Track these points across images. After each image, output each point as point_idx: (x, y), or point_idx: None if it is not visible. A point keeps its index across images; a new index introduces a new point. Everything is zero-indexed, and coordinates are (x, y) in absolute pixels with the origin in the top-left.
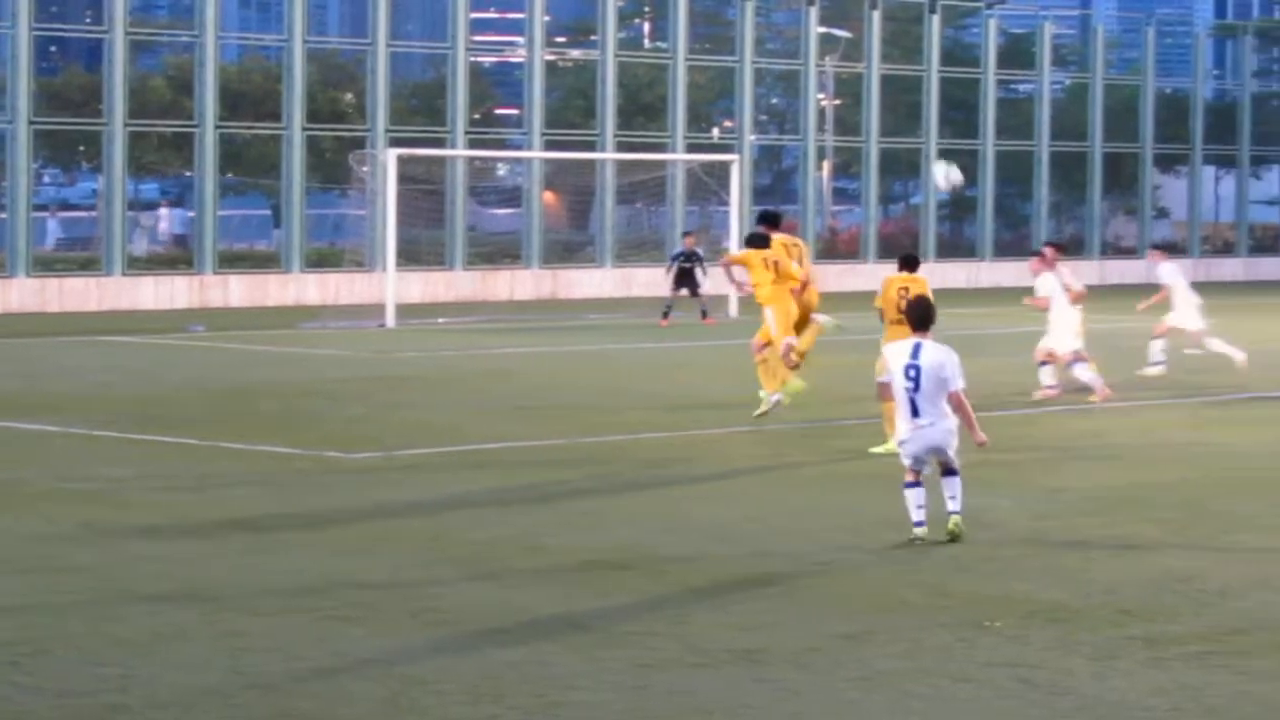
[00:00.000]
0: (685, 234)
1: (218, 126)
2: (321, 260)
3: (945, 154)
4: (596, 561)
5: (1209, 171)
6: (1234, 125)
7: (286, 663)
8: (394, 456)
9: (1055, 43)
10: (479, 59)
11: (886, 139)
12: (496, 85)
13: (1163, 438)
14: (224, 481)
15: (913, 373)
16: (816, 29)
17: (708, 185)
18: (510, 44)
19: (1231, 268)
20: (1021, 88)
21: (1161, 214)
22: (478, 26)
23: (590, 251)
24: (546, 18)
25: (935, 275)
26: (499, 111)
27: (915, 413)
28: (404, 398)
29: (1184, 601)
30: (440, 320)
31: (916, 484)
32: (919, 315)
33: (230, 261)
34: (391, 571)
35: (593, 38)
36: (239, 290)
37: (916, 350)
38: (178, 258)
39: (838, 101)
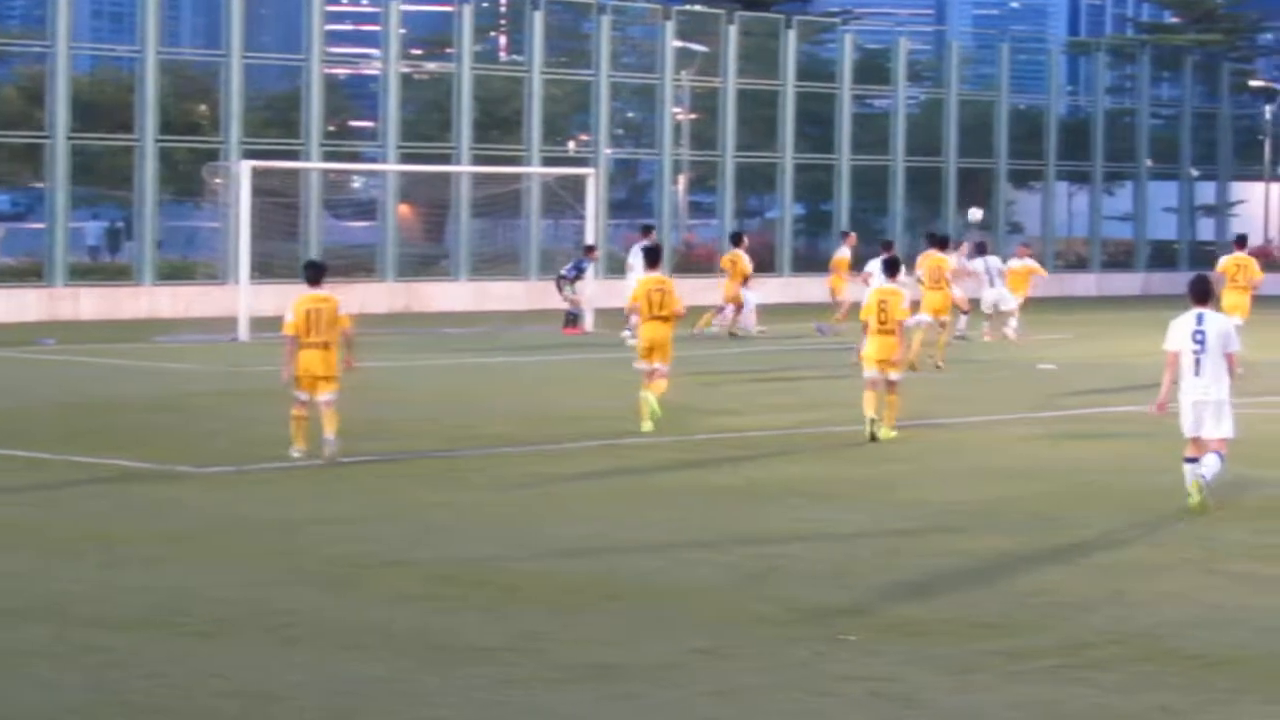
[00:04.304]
0: (589, 247)
1: (69, 138)
2: (174, 273)
3: (803, 167)
4: (453, 577)
5: (1063, 187)
6: (1087, 141)
7: (145, 680)
8: (247, 471)
9: (911, 59)
10: (334, 71)
11: (742, 153)
12: (352, 98)
13: (1016, 453)
14: (77, 496)
15: (1200, 337)
16: (673, 43)
17: (563, 199)
18: (366, 56)
19: (1085, 283)
20: (877, 103)
21: (1016, 229)
22: (333, 39)
23: (445, 265)
24: (402, 30)
25: (790, 290)
26: (354, 124)
27: (1198, 372)
28: (257, 412)
29: (1039, 615)
30: None
31: (1194, 460)
32: (1201, 290)
33: (82, 274)
34: (247, 587)
35: (448, 50)
36: (90, 303)
37: (1200, 318)
38: (27, 269)
39: (694, 116)
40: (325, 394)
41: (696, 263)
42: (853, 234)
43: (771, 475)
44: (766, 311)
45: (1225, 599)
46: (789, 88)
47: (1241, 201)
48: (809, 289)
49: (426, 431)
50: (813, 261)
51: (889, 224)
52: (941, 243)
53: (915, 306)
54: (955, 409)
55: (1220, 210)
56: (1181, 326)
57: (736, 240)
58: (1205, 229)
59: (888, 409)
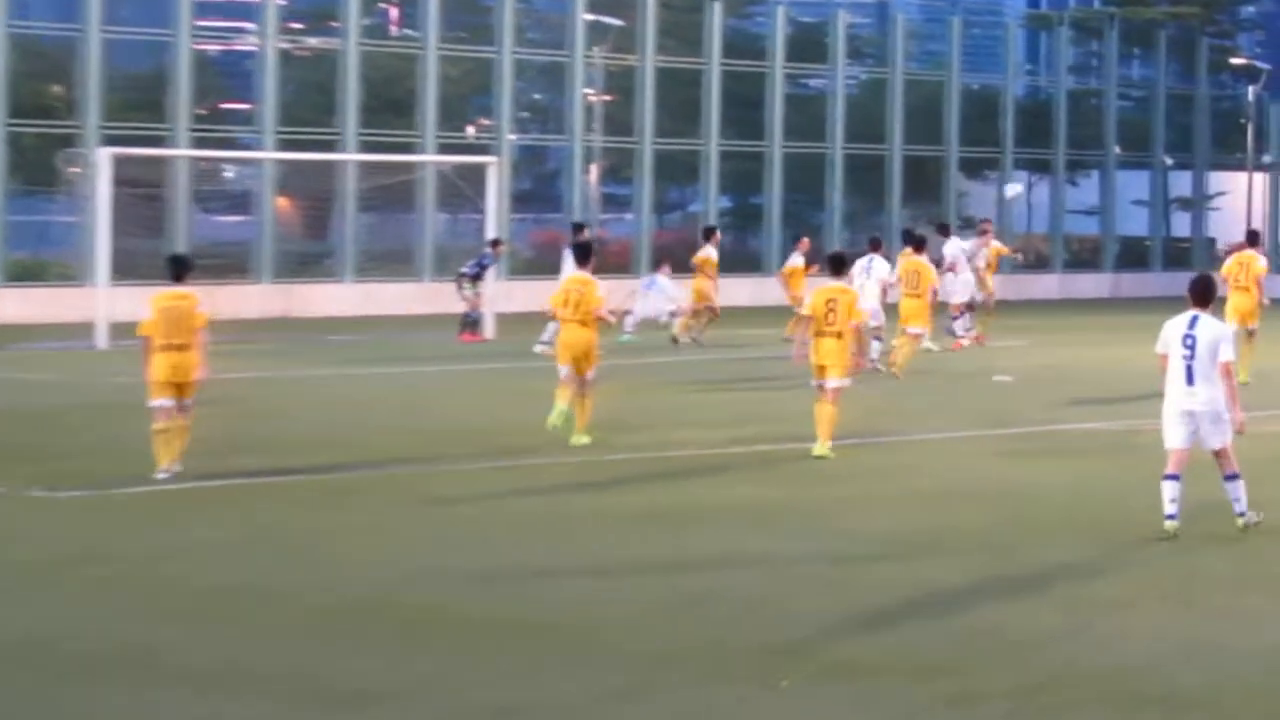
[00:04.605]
0: (494, 241)
1: None
2: (25, 273)
3: (731, 155)
4: (338, 611)
5: (1021, 177)
6: (1048, 126)
7: None
8: (109, 495)
9: (850, 34)
10: (204, 48)
11: (662, 140)
12: (224, 77)
13: (967, 474)
14: None
15: (1189, 342)
16: (584, 16)
17: (462, 190)
18: (240, 31)
19: (1046, 285)
20: (813, 83)
21: (968, 224)
22: (203, 11)
23: (329, 265)
24: (281, 2)
25: (721, 293)
26: (227, 107)
27: (1190, 379)
28: (118, 428)
29: (991, 654)
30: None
31: (1174, 477)
32: (1201, 290)
33: None
34: (108, 626)
35: (333, 24)
36: None
37: (1194, 322)
38: None
39: (608, 97)
40: (183, 400)
41: (610, 261)
42: (806, 239)
43: (699, 497)
44: (689, 317)
45: (1199, 635)
46: (714, 66)
47: (1221, 193)
48: (735, 291)
49: (308, 449)
50: (741, 260)
51: (826, 219)
52: (919, 243)
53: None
54: (903, 424)
55: (1197, 203)
56: (1173, 328)
57: (709, 235)
58: (1180, 224)
59: (824, 422)
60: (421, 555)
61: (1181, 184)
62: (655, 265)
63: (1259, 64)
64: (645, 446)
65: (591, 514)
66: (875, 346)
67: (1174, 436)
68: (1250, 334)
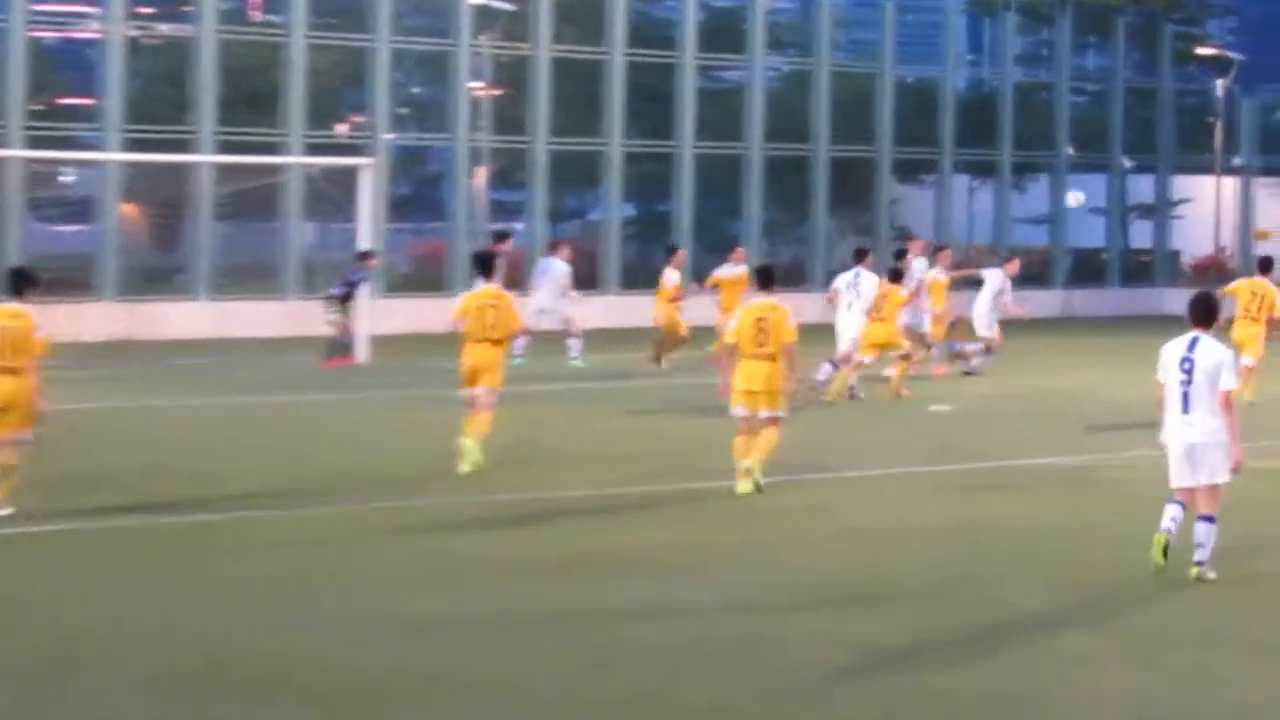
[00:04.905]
0: (364, 254)
1: None
2: None
3: (636, 157)
4: (190, 669)
5: (961, 181)
6: (993, 124)
7: None
8: None
9: (771, 20)
10: (41, 35)
11: (559, 139)
12: (63, 68)
13: (908, 514)
14: None
15: (1187, 366)
16: (471, 1)
17: (331, 196)
18: (81, 16)
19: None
20: (728, 76)
21: (902, 234)
22: None
23: (181, 280)
24: None
25: (618, 310)
26: (66, 102)
27: (1187, 407)
28: None
29: None
30: None
31: (1179, 502)
32: (1202, 310)
33: None
34: None
35: (186, 9)
36: None
37: (1193, 344)
38: None
39: (497, 92)
40: (13, 434)
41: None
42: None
43: (605, 540)
44: (594, 338)
45: (1163, 698)
46: (617, 57)
47: (1186, 200)
48: (639, 310)
49: (155, 488)
50: (647, 274)
51: (743, 228)
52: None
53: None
54: (835, 459)
55: (1160, 211)
56: (1171, 352)
57: (670, 254)
58: (1141, 234)
59: (756, 452)
60: (283, 606)
61: (1142, 189)
62: (551, 248)
63: (1229, 54)
64: (545, 484)
65: (482, 559)
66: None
67: (1180, 474)
68: (1250, 368)
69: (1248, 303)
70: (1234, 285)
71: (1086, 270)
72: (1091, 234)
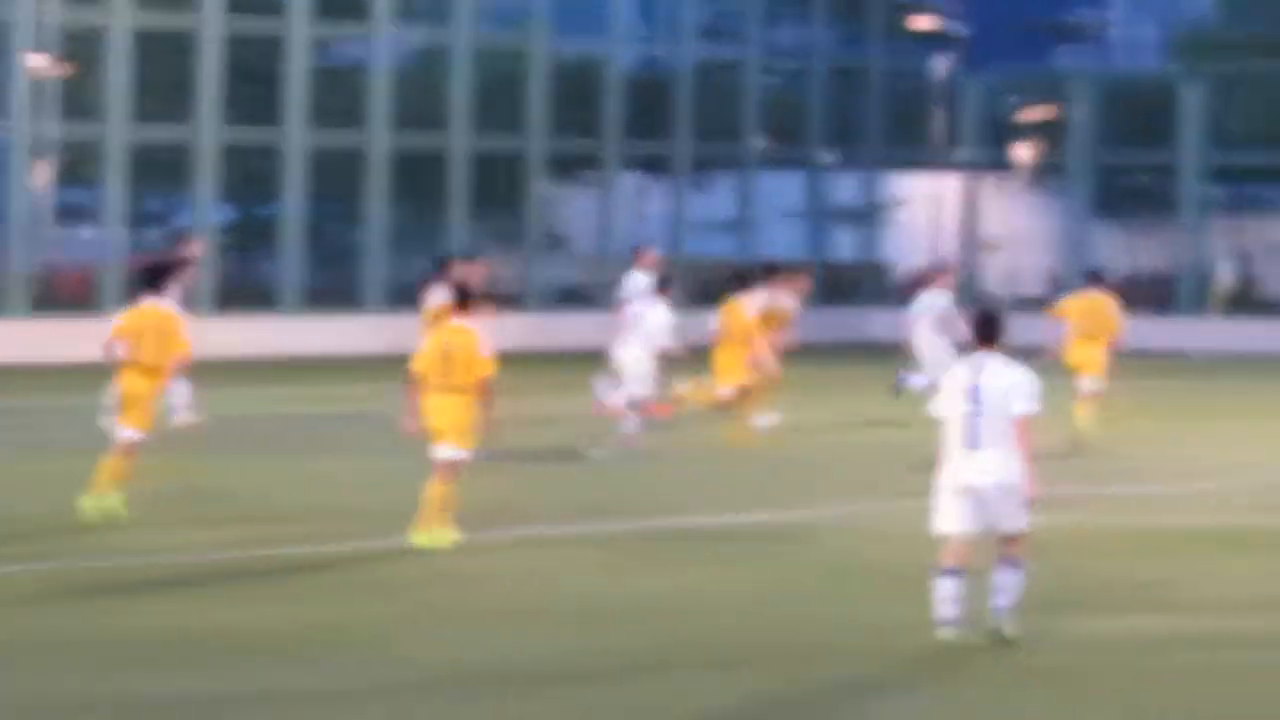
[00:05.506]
0: None
1: None
2: None
3: (234, 150)
4: None
5: (629, 180)
6: (668, 111)
7: None
8: None
9: None
10: None
11: (141, 127)
12: None
13: (558, 588)
14: None
15: (976, 394)
16: None
17: None
18: None
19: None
20: (347, 51)
21: (556, 243)
22: None
23: None
24: None
25: (216, 337)
26: None
27: (974, 442)
28: None
29: None
30: None
31: (954, 572)
32: (987, 327)
33: None
34: None
35: None
36: None
37: (981, 368)
38: None
39: (64, 69)
40: None
41: (64, 297)
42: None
43: (201, 618)
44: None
45: None
46: (212, 27)
47: (899, 203)
48: (240, 336)
49: None
50: (246, 295)
51: (364, 234)
52: (743, 280)
53: None
54: (475, 520)
55: (869, 215)
56: (954, 380)
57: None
58: (844, 243)
59: (431, 504)
60: None
61: (846, 188)
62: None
63: (950, 28)
64: (133, 548)
65: (43, 643)
66: None
67: (952, 518)
68: (1093, 393)
69: (1082, 322)
70: (1062, 305)
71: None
72: (786, 243)
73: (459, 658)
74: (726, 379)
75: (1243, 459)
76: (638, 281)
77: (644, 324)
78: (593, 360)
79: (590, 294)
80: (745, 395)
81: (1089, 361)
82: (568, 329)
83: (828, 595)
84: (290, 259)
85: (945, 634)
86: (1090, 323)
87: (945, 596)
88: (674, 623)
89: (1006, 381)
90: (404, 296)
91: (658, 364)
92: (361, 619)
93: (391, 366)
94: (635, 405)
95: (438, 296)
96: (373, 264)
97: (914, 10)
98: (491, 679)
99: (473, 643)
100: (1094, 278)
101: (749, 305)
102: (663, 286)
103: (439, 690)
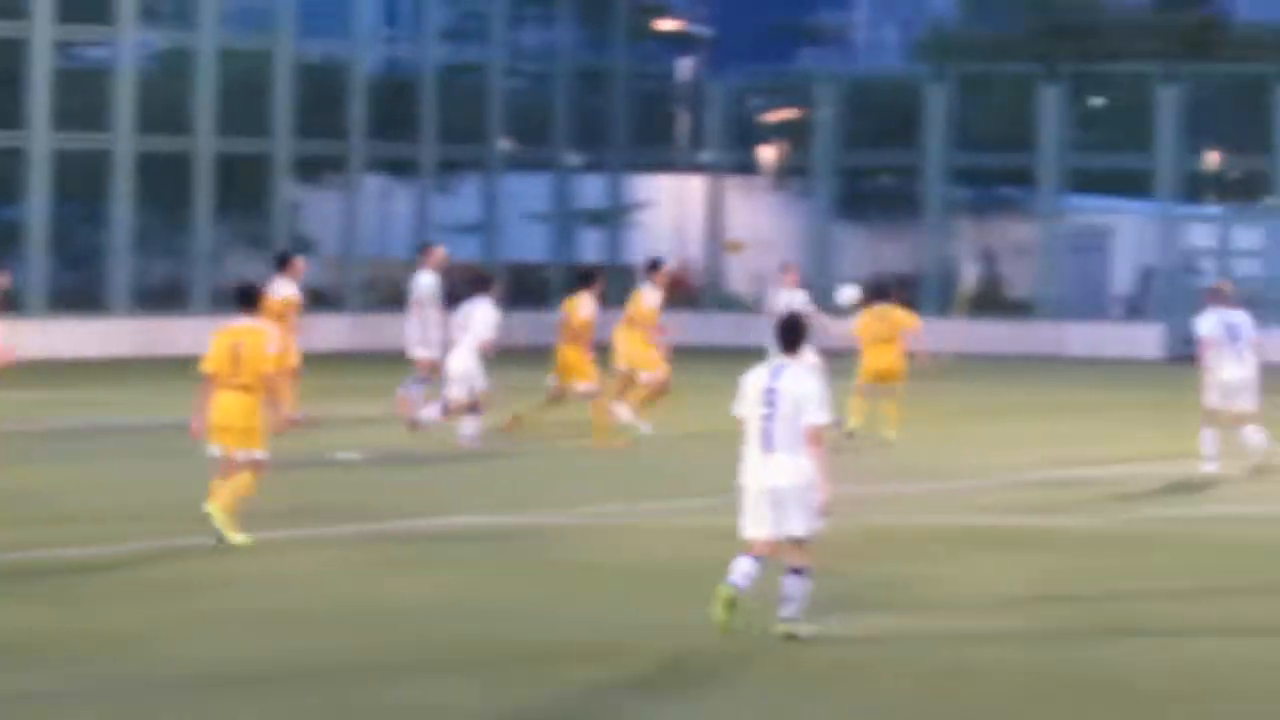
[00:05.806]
0: None
1: None
2: None
3: None
4: None
5: (375, 182)
6: (412, 113)
7: None
8: None
9: None
10: None
11: None
12: None
13: (327, 590)
14: None
15: (771, 397)
16: None
17: None
18: None
19: (392, 330)
20: (91, 53)
21: (303, 246)
22: None
23: None
24: None
25: None
26: None
27: (769, 444)
28: None
29: None
30: None
31: (758, 558)
32: (790, 333)
33: None
34: None
35: None
36: None
37: (779, 372)
38: None
39: None
40: None
41: None
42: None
43: None
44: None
45: None
46: None
47: (643, 205)
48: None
49: None
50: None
51: (109, 237)
52: (585, 278)
53: None
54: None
55: (612, 217)
56: (752, 381)
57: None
58: (590, 245)
59: (222, 495)
60: None
61: (591, 191)
62: None
63: (695, 29)
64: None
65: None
66: None
67: (754, 523)
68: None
69: (879, 332)
70: (856, 325)
71: (525, 289)
72: (532, 245)
73: (213, 658)
74: (580, 375)
75: (990, 460)
76: (426, 281)
77: (471, 323)
78: (339, 363)
79: (336, 296)
80: (655, 386)
81: (890, 371)
82: (313, 331)
83: (587, 597)
84: (35, 262)
85: (724, 590)
86: (880, 326)
87: (741, 570)
88: (429, 624)
89: (801, 389)
90: (149, 299)
91: (478, 358)
92: (127, 621)
93: (139, 368)
94: (449, 408)
95: (281, 290)
96: (118, 266)
97: (659, 13)
98: (240, 680)
99: (231, 645)
100: (880, 292)
101: (587, 304)
102: (485, 285)
103: (182, 691)
